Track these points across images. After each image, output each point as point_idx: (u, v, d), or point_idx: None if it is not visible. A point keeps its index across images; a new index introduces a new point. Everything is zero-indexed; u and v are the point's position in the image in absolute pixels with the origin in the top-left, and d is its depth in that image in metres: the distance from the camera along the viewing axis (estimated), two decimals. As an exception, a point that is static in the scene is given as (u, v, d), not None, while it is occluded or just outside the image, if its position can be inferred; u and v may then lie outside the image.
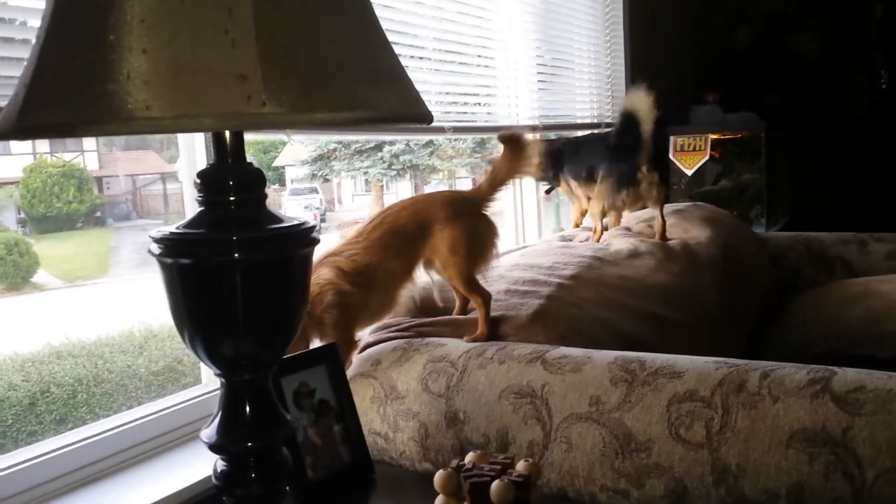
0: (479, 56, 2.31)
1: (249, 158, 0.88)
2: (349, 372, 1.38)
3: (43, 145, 2.67)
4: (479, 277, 1.46)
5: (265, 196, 0.87)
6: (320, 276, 1.35)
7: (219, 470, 0.90)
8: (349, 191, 5.19)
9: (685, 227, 2.34)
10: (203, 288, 0.83)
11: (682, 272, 2.01)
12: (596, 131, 2.94)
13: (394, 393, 1.35)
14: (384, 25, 0.84)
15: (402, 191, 4.77)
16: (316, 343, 1.36)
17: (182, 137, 1.50)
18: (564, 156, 2.35)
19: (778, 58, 3.98)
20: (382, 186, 4.84)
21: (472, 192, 1.52)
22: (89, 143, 2.84)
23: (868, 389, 1.03)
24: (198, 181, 0.85)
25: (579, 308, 1.61)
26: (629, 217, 2.41)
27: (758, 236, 2.78)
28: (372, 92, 0.76)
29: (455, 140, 3.95)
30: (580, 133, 3.01)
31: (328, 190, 4.95)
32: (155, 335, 2.22)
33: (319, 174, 4.74)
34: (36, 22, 1.16)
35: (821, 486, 0.99)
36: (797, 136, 4.02)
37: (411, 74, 0.85)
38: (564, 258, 1.90)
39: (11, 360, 1.90)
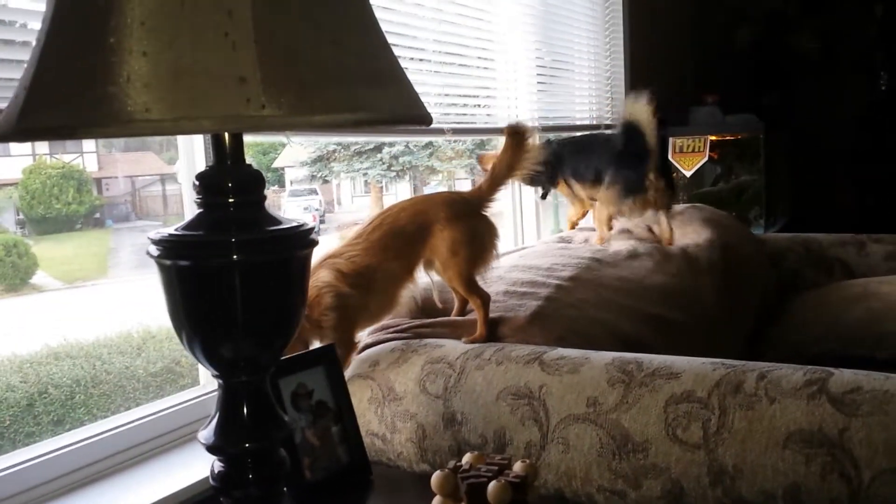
0: (479, 58, 2.31)
1: (249, 160, 0.88)
2: (347, 373, 1.38)
3: (42, 147, 2.67)
4: (478, 279, 1.46)
5: (264, 198, 0.88)
6: (319, 278, 1.35)
7: (216, 471, 0.90)
8: (348, 192, 5.18)
9: (684, 228, 2.34)
10: (202, 290, 0.83)
11: (680, 273, 2.01)
12: (598, 132, 2.94)
13: (391, 394, 1.35)
14: (384, 27, 0.84)
15: (401, 192, 4.77)
16: (315, 345, 1.36)
17: (181, 139, 1.50)
18: (564, 156, 2.34)
19: (777, 58, 3.98)
20: (382, 188, 4.83)
21: (471, 193, 1.52)
22: (89, 144, 2.84)
23: (865, 390, 1.03)
24: (197, 183, 0.85)
25: (577, 309, 1.61)
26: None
27: (757, 237, 2.79)
28: (371, 94, 0.77)
29: (454, 141, 3.95)
30: (578, 133, 3.02)
31: (327, 191, 4.95)
32: (153, 336, 2.22)
33: (319, 175, 4.73)
34: (36, 24, 1.16)
35: (817, 487, 1.00)
36: (796, 137, 4.03)
37: (411, 76, 0.86)
38: (563, 259, 1.90)
39: (9, 362, 1.90)
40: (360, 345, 1.48)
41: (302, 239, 0.87)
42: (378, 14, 0.84)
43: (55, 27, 0.71)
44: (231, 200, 0.84)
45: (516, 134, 1.48)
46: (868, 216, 3.95)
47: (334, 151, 4.66)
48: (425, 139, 3.45)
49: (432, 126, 0.89)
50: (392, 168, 4.65)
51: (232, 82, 0.66)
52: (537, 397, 1.22)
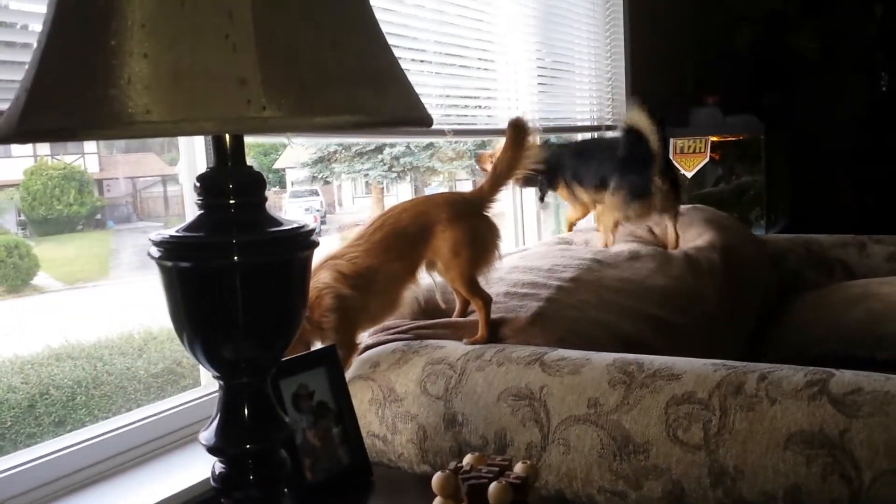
0: (480, 59, 2.31)
1: (250, 161, 0.88)
2: (348, 374, 1.38)
3: (43, 148, 2.67)
4: (480, 279, 1.46)
5: (265, 199, 0.88)
6: (319, 279, 1.35)
7: (217, 472, 0.90)
8: (349, 193, 5.18)
9: (685, 229, 2.34)
10: (203, 291, 0.83)
11: (681, 275, 2.01)
12: (603, 136, 2.93)
13: (392, 395, 1.35)
14: (385, 29, 0.84)
15: (402, 193, 4.77)
16: (317, 346, 1.36)
17: (182, 140, 1.50)
18: (566, 160, 2.33)
19: (777, 59, 3.98)
20: (383, 188, 4.83)
21: (473, 194, 1.52)
22: (90, 145, 2.84)
23: (865, 391, 1.03)
24: (198, 185, 0.85)
25: (578, 310, 1.61)
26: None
27: (757, 238, 2.79)
28: (371, 95, 0.77)
29: (455, 142, 3.96)
30: (580, 137, 3.02)
31: (329, 192, 4.95)
32: (154, 337, 2.22)
33: (320, 176, 4.73)
34: (37, 26, 1.16)
35: (818, 488, 1.00)
36: (797, 138, 4.02)
37: (412, 78, 0.86)
38: (564, 260, 1.90)
39: (11, 363, 1.90)
40: (361, 346, 1.48)
41: (303, 240, 0.87)
42: (379, 15, 0.84)
43: (56, 29, 0.72)
44: (232, 202, 0.84)
45: (518, 128, 1.47)
46: (869, 217, 3.94)
47: (335, 152, 4.66)
48: (426, 140, 3.45)
49: (433, 127, 0.89)
50: (393, 169, 4.65)
51: (232, 84, 0.67)
52: (538, 398, 1.22)
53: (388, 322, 1.53)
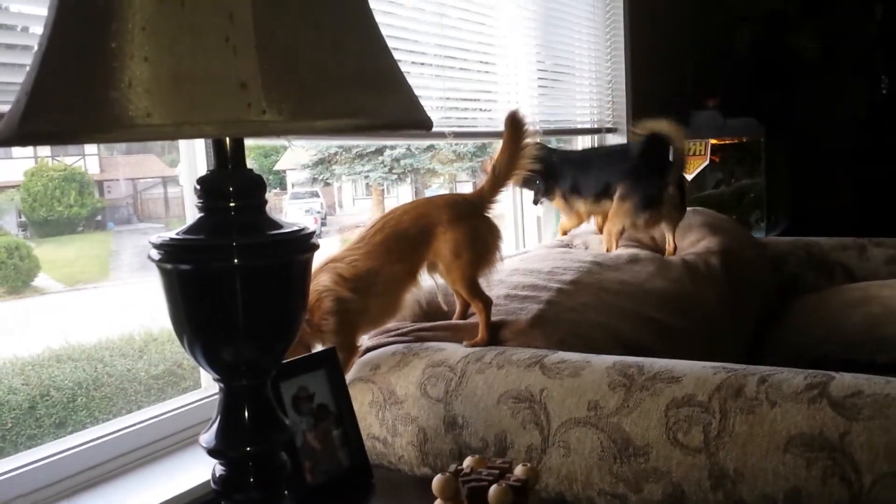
0: (480, 62, 2.32)
1: (250, 162, 0.88)
2: (348, 376, 1.38)
3: (44, 149, 2.68)
4: (481, 281, 1.46)
5: (265, 202, 0.88)
6: (319, 282, 1.36)
7: (218, 475, 0.90)
8: (350, 195, 5.18)
9: (685, 232, 2.34)
10: (203, 294, 0.83)
11: (681, 277, 2.01)
12: (603, 143, 2.93)
13: (393, 397, 1.35)
14: (386, 31, 0.84)
15: (402, 195, 4.78)
16: (317, 349, 1.36)
17: (183, 142, 1.50)
18: (563, 170, 2.31)
19: (778, 61, 3.98)
20: (383, 190, 4.84)
21: (474, 195, 1.52)
22: (90, 147, 2.84)
23: (865, 394, 1.03)
24: (198, 187, 0.85)
25: (579, 313, 1.61)
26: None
27: (758, 241, 2.79)
28: (371, 99, 0.77)
29: (456, 144, 3.96)
30: (580, 140, 3.02)
31: (329, 194, 4.95)
32: (155, 339, 2.22)
33: (320, 178, 4.74)
34: (38, 28, 1.16)
35: (818, 491, 1.00)
36: (797, 141, 4.03)
37: (413, 80, 0.86)
38: (564, 263, 1.90)
39: (11, 364, 1.90)
40: (362, 348, 1.48)
41: (303, 243, 0.87)
42: (380, 18, 0.84)
43: (57, 32, 0.72)
44: (232, 204, 0.84)
45: (515, 123, 1.46)
46: (869, 219, 3.94)
47: (336, 154, 4.67)
48: (427, 142, 3.45)
49: (433, 130, 0.89)
50: (393, 171, 4.66)
51: (233, 87, 0.67)
52: (538, 401, 1.22)
53: (388, 324, 1.53)
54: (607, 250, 2.18)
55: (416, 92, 0.85)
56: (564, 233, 2.45)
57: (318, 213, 4.69)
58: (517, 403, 1.24)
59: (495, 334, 1.46)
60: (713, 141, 3.37)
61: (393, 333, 1.51)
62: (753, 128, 3.53)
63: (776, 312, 2.41)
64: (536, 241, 2.72)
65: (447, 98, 2.15)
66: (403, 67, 0.85)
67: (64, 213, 2.74)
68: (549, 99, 2.71)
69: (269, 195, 0.90)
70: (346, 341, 1.39)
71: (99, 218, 3.05)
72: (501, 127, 1.48)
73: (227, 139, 0.84)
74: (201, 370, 1.53)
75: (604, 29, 3.07)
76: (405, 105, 0.81)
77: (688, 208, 2.34)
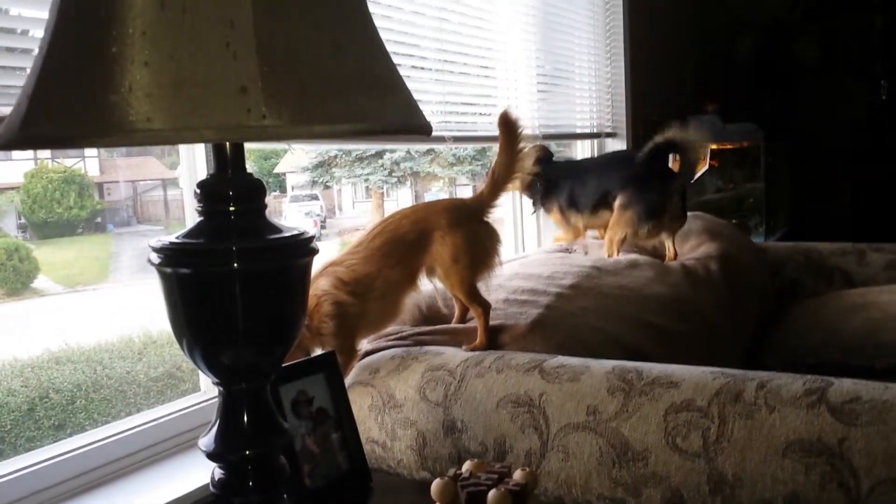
0: (480, 66, 2.32)
1: (250, 165, 0.88)
2: (347, 380, 1.38)
3: (44, 151, 2.68)
4: (480, 286, 1.46)
5: (265, 206, 0.88)
6: (318, 286, 1.36)
7: (217, 478, 0.90)
8: (350, 197, 5.19)
9: (684, 237, 2.34)
10: (202, 297, 0.83)
11: (680, 282, 2.01)
12: (606, 153, 2.92)
13: (392, 401, 1.35)
14: (385, 36, 0.85)
15: (402, 198, 4.78)
16: (317, 353, 1.36)
17: (183, 145, 1.51)
18: (562, 181, 2.29)
19: (777, 67, 3.99)
20: (383, 193, 4.84)
21: (473, 200, 1.52)
22: (90, 149, 2.84)
23: (864, 400, 1.03)
24: (198, 191, 0.86)
25: (578, 317, 1.61)
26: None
27: (757, 246, 2.79)
28: (371, 104, 0.77)
29: (456, 148, 3.96)
30: (580, 151, 3.02)
31: (329, 197, 4.95)
32: (154, 341, 2.22)
33: (320, 181, 4.74)
34: (39, 32, 1.16)
35: (816, 496, 1.00)
36: (797, 146, 4.03)
37: (413, 84, 0.86)
38: (563, 267, 1.90)
39: (10, 366, 1.90)
40: (361, 352, 1.48)
41: (302, 247, 0.87)
42: (379, 23, 0.85)
43: (58, 36, 0.72)
44: (232, 209, 0.84)
45: (508, 124, 1.46)
46: (868, 225, 3.95)
47: (336, 157, 4.68)
48: (426, 146, 3.45)
49: (433, 134, 0.89)
50: (393, 174, 4.66)
51: (233, 92, 0.67)
52: (537, 405, 1.22)
53: (387, 328, 1.53)
54: (608, 256, 2.17)
55: (416, 96, 0.85)
56: (557, 241, 2.44)
57: (318, 215, 4.70)
58: (516, 408, 1.24)
59: (494, 338, 1.46)
60: (712, 146, 3.37)
61: (392, 337, 1.51)
62: (753, 133, 3.54)
63: (775, 317, 2.41)
64: (536, 245, 2.72)
65: (446, 102, 2.15)
66: (403, 72, 0.85)
67: (63, 215, 2.74)
68: (548, 103, 2.71)
69: (269, 198, 0.90)
70: (345, 345, 1.39)
71: (98, 220, 3.05)
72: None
73: (227, 143, 0.85)
74: (200, 373, 1.53)
75: (603, 33, 3.08)
76: (404, 110, 0.82)
77: (687, 213, 2.34)
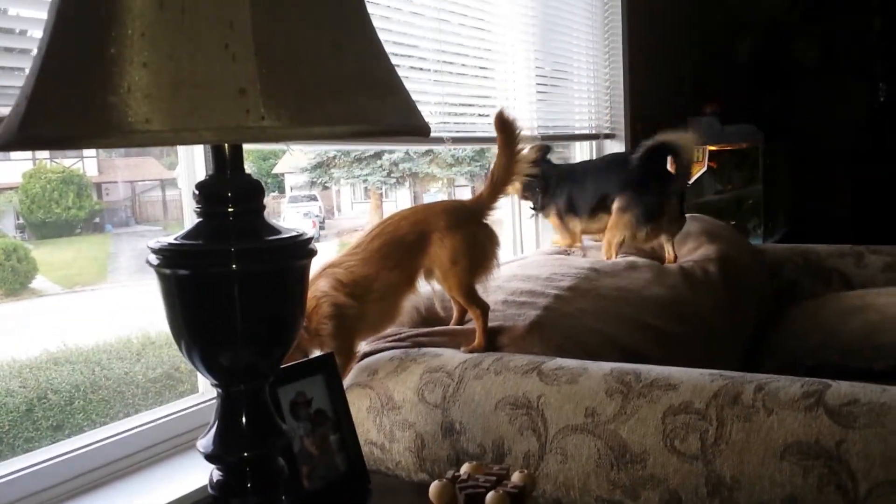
0: (479, 67, 2.32)
1: (249, 166, 0.88)
2: (346, 382, 1.38)
3: (42, 151, 2.67)
4: (478, 288, 1.46)
5: (263, 207, 0.88)
6: (317, 287, 1.36)
7: (215, 479, 0.90)
8: (348, 198, 5.19)
9: (683, 239, 2.34)
10: (201, 299, 0.83)
11: (678, 284, 2.02)
12: (604, 156, 2.92)
13: (390, 403, 1.35)
14: (384, 36, 0.85)
15: (401, 199, 4.78)
16: (315, 354, 1.36)
17: (181, 146, 1.51)
18: (560, 185, 2.29)
19: (776, 69, 4.00)
20: (382, 194, 4.84)
21: (472, 201, 1.52)
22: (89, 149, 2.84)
23: (861, 403, 1.03)
24: (196, 192, 0.86)
25: (576, 319, 1.61)
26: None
27: (755, 248, 2.79)
28: (370, 105, 0.77)
29: (454, 149, 3.96)
30: (578, 152, 3.02)
31: (327, 197, 4.95)
32: (152, 342, 2.22)
33: (319, 182, 4.74)
34: (38, 32, 1.16)
35: (814, 498, 1.00)
36: (795, 148, 4.04)
37: (412, 85, 0.86)
38: (562, 269, 1.90)
39: (9, 366, 1.90)
40: (359, 354, 1.48)
41: (301, 248, 0.87)
42: (378, 23, 0.85)
43: (56, 36, 0.72)
44: (230, 210, 0.84)
45: (504, 125, 1.45)
46: (867, 227, 3.95)
47: (334, 158, 4.68)
48: (425, 147, 3.46)
49: (432, 135, 0.89)
50: (392, 174, 4.66)
51: (232, 93, 0.67)
52: (535, 407, 1.22)
53: (386, 330, 1.53)
54: (607, 259, 2.17)
55: (415, 97, 0.85)
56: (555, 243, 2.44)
57: (317, 216, 4.70)
58: (514, 410, 1.24)
59: (493, 340, 1.46)
60: (711, 147, 3.37)
61: (390, 339, 1.51)
62: (751, 134, 3.54)
63: (773, 319, 2.42)
64: (534, 247, 2.72)
65: (445, 103, 2.16)
66: (402, 73, 0.85)
67: (62, 215, 2.73)
68: (547, 104, 2.71)
69: (268, 198, 0.90)
70: (343, 346, 1.39)
71: (97, 220, 3.05)
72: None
73: (226, 144, 0.85)
74: (199, 374, 1.53)
75: (602, 34, 3.08)
76: (403, 111, 0.82)
77: (686, 215, 2.34)
